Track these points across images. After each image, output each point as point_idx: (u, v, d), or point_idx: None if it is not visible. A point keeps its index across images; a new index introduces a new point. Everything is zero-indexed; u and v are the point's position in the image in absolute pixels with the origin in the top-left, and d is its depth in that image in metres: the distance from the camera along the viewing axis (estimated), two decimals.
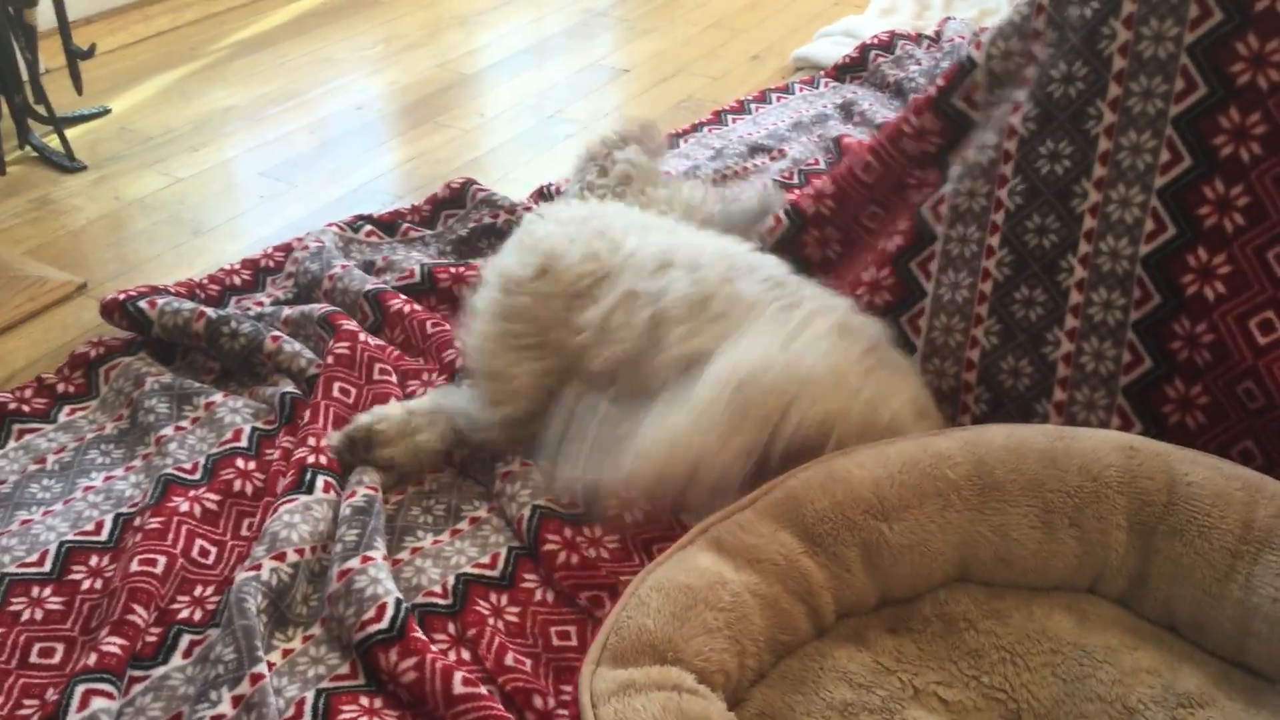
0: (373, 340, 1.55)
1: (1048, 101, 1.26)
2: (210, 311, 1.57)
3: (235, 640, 1.12)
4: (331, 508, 1.30)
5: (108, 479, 1.40)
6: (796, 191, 1.93)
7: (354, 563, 1.21)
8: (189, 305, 1.58)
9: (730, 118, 2.30)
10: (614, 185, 1.64)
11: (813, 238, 1.53)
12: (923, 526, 1.06)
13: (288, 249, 1.82)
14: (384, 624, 1.14)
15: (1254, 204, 1.16)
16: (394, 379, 1.50)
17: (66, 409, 1.52)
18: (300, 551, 1.23)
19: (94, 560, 1.28)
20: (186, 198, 2.08)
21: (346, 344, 1.51)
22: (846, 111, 2.31)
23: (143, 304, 1.58)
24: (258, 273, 1.78)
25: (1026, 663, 1.03)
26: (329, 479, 1.33)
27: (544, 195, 2.00)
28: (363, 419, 1.38)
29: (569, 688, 1.14)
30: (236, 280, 1.76)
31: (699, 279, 1.29)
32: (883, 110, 2.29)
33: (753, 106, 2.35)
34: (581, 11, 3.00)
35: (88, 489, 1.39)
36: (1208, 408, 1.20)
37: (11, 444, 1.46)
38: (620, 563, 1.27)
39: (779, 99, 2.39)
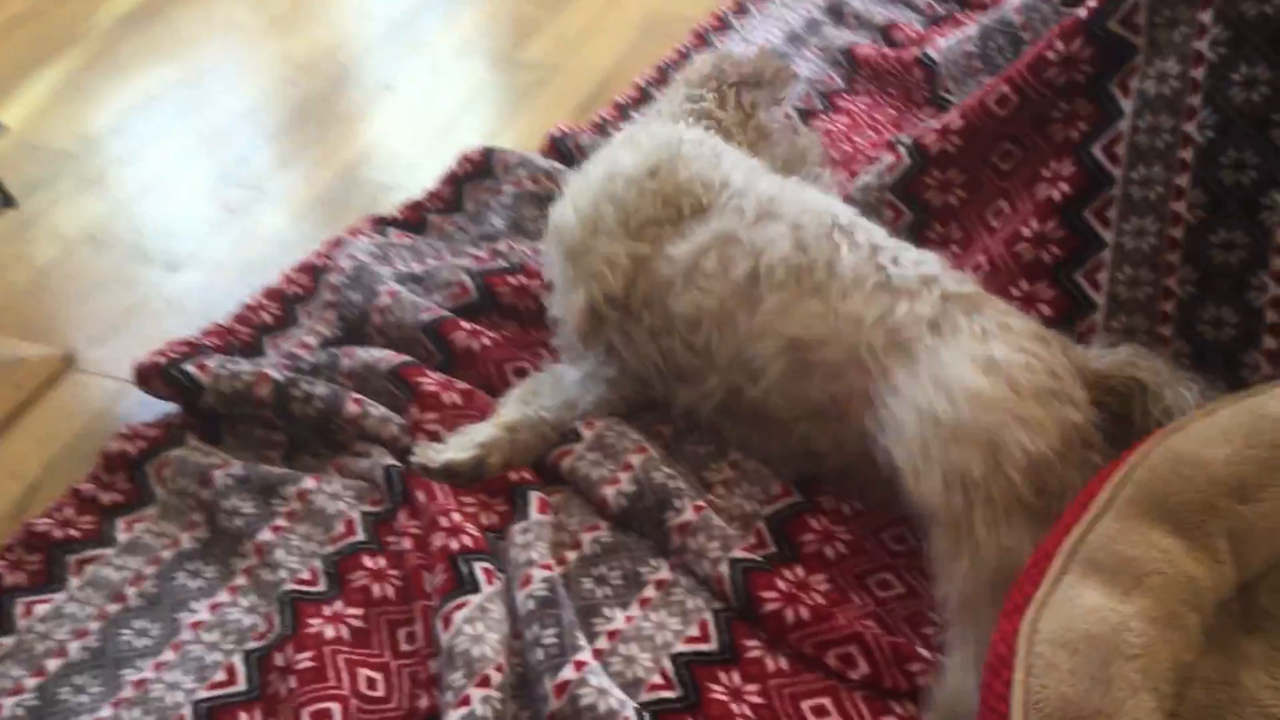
0: (458, 396, 1.34)
1: (1240, 22, 1.13)
2: (275, 373, 1.34)
3: None
4: (504, 600, 1.13)
5: (214, 607, 1.20)
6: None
7: (569, 672, 1.05)
8: (247, 368, 1.35)
9: (716, 37, 2.11)
10: (732, 123, 1.44)
11: (934, 179, 1.40)
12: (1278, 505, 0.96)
13: (311, 270, 1.58)
14: None
15: None
16: None
17: (121, 524, 1.30)
18: (500, 668, 1.06)
19: (243, 717, 1.09)
20: (141, 223, 1.80)
21: (434, 415, 1.31)
22: (837, 14, 2.14)
23: (190, 368, 1.35)
24: (285, 304, 1.54)
25: None
26: (486, 565, 1.16)
27: (561, 152, 1.79)
28: (461, 455, 1.25)
29: None
30: (266, 316, 1.52)
31: (801, 240, 1.20)
32: (877, 8, 2.13)
33: (735, 20, 2.16)
34: None
35: (196, 625, 1.18)
36: None
37: (74, 582, 1.24)
38: (843, 605, 1.14)
39: (759, 7, 2.20)
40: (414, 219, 1.69)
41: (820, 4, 2.18)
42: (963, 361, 1.06)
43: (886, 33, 2.04)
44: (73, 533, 1.28)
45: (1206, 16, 1.16)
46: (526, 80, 2.09)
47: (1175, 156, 1.20)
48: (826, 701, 1.07)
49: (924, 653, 1.08)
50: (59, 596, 1.22)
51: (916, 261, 1.18)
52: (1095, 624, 0.88)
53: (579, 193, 1.32)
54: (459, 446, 1.26)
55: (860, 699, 1.07)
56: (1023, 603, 0.93)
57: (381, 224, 1.68)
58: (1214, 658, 0.95)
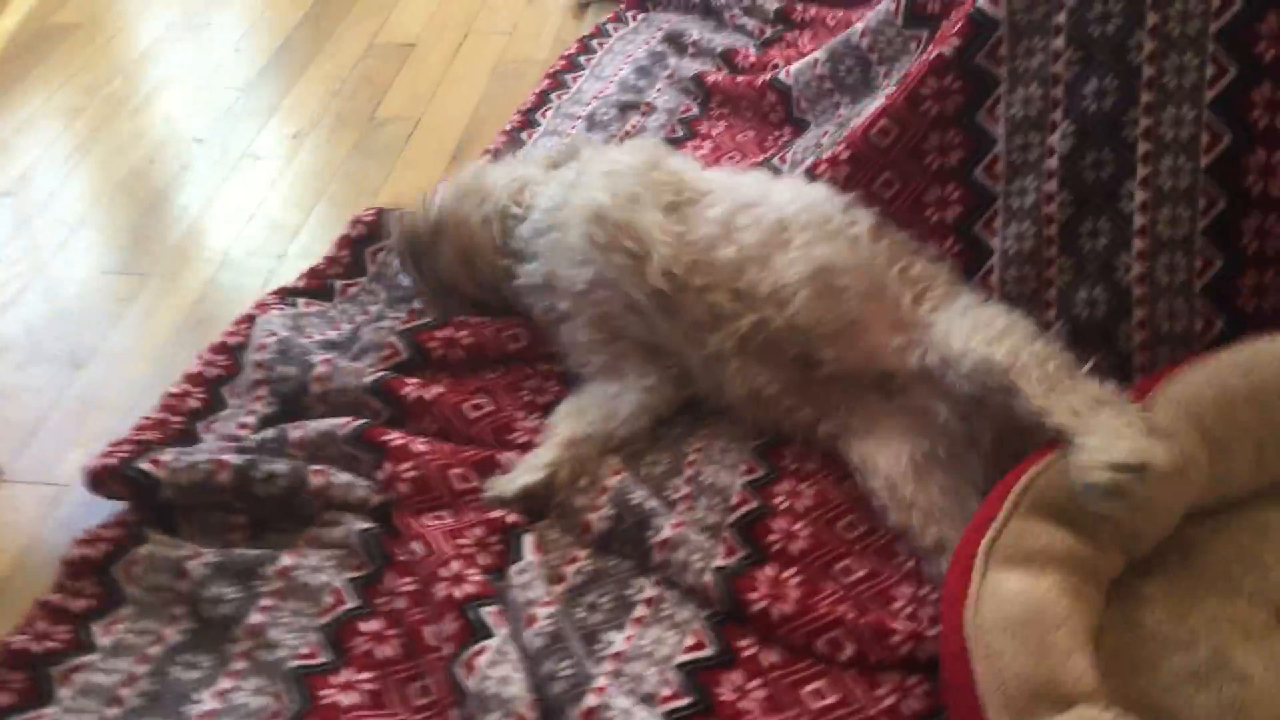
0: (421, 445, 1.40)
1: (1088, 42, 1.30)
2: (231, 458, 1.37)
3: None
4: (517, 639, 1.20)
5: (220, 695, 1.22)
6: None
7: (592, 699, 1.13)
8: (203, 456, 1.37)
9: (568, 77, 2.20)
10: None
11: None
12: (1171, 506, 1.13)
13: (227, 350, 1.60)
14: None
15: None
16: (476, 481, 1.37)
17: (98, 628, 1.29)
18: (530, 705, 1.13)
19: None
20: (30, 325, 1.76)
21: (410, 464, 1.37)
22: (677, 45, 2.27)
23: (144, 465, 1.36)
24: (209, 386, 1.55)
25: (1263, 560, 1.13)
26: (494, 607, 1.22)
27: None
28: (534, 478, 1.34)
29: None
30: (192, 402, 1.53)
31: (813, 199, 1.40)
32: (713, 36, 2.27)
33: (582, 60, 2.26)
34: None
35: (205, 715, 1.20)
36: None
37: (64, 693, 1.23)
38: (818, 595, 1.25)
39: (600, 44, 2.30)
40: (318, 287, 1.72)
41: (658, 35, 2.31)
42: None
43: (727, 58, 2.17)
44: (51, 645, 1.27)
45: (1059, 42, 1.33)
46: (390, 136, 2.14)
47: (1043, 166, 1.37)
48: (823, 684, 1.18)
49: (897, 625, 1.20)
50: (51, 711, 1.21)
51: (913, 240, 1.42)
52: (1023, 605, 1.03)
53: (592, 187, 1.44)
54: (529, 470, 1.34)
55: (852, 677, 1.18)
56: (959, 594, 1.06)
57: (287, 294, 1.70)
58: (1114, 607, 1.11)
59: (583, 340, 1.47)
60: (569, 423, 1.39)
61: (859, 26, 1.76)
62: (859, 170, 1.49)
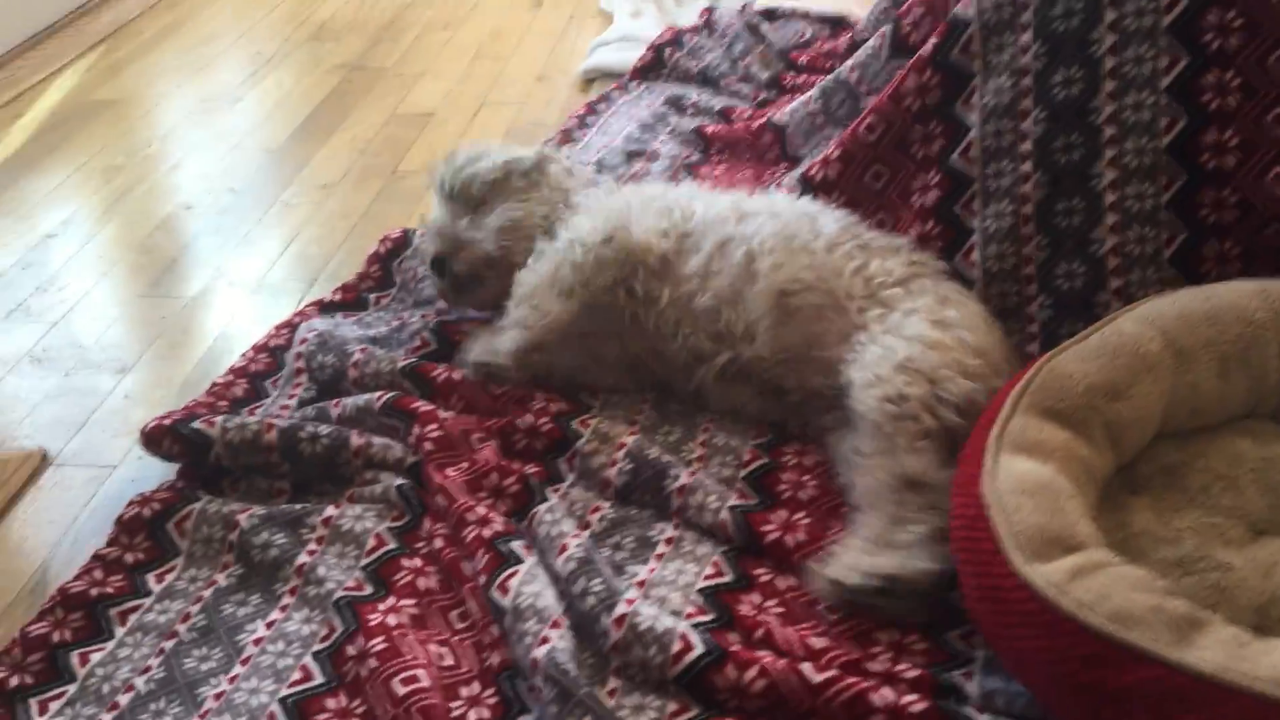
0: (450, 412, 1.51)
1: (1053, 37, 1.46)
2: (279, 420, 1.47)
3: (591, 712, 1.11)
4: (547, 566, 1.29)
5: (271, 624, 1.29)
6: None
7: (623, 607, 1.21)
8: (253, 419, 1.47)
9: (577, 134, 2.37)
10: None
11: (821, 201, 1.66)
12: (1144, 399, 1.23)
13: (269, 350, 1.71)
14: (701, 648, 1.16)
15: (1244, 83, 1.41)
16: (493, 442, 1.48)
17: (151, 578, 1.38)
18: (565, 616, 1.21)
19: (331, 703, 1.19)
20: (78, 340, 1.88)
21: (434, 425, 1.47)
22: (678, 106, 2.43)
23: (198, 424, 1.45)
24: (251, 380, 1.66)
25: (1238, 483, 1.22)
26: (521, 541, 1.31)
27: None
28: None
29: (877, 649, 1.21)
30: (238, 391, 1.64)
31: (783, 221, 1.49)
32: (710, 99, 2.44)
33: (590, 120, 2.43)
34: (332, 70, 2.91)
35: (258, 641, 1.28)
36: (1241, 256, 1.44)
37: (121, 631, 1.31)
38: (827, 531, 1.34)
39: (606, 107, 2.48)
40: (353, 299, 1.84)
41: (660, 99, 2.48)
42: (923, 319, 1.35)
43: (725, 114, 2.34)
44: (106, 590, 1.35)
45: (1026, 37, 1.49)
46: (412, 186, 2.29)
47: (1018, 150, 1.51)
48: None
49: None
50: (110, 644, 1.29)
51: (885, 235, 1.50)
52: (1036, 478, 1.13)
53: (549, 252, 1.56)
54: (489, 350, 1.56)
55: None
56: (974, 475, 1.16)
57: (324, 307, 1.82)
58: (1107, 517, 1.20)
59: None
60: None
61: (849, 63, 1.93)
62: (850, 166, 1.64)
